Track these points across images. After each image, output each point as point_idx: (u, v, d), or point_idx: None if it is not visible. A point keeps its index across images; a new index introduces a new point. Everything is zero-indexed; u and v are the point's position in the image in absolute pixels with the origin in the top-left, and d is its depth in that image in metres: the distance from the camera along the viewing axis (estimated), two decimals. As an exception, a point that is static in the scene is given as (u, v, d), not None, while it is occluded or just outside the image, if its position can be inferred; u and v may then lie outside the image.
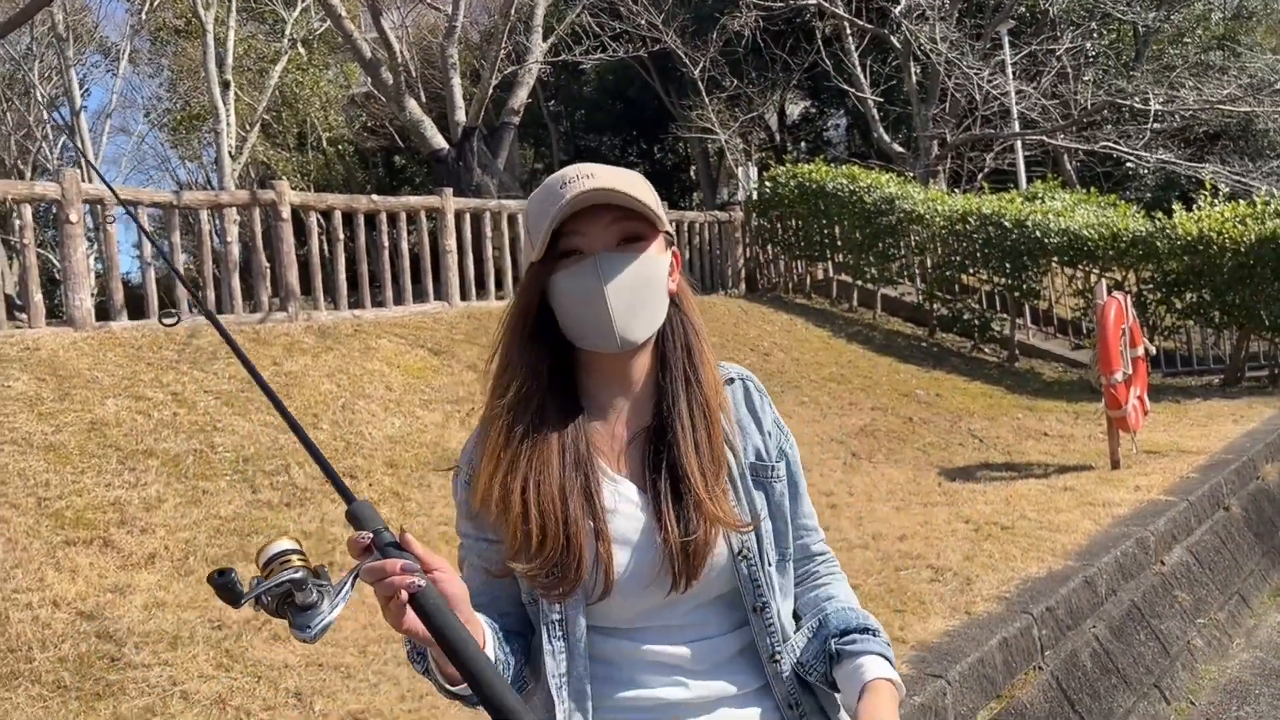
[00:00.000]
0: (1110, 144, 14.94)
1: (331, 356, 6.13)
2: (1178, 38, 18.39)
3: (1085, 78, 15.54)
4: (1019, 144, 15.54)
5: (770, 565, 1.13)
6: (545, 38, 11.97)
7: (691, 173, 21.78)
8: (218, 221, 7.38)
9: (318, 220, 7.84)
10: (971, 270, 9.65)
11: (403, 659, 3.18)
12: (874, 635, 1.13)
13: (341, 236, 7.52)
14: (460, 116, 10.83)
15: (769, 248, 10.71)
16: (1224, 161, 15.46)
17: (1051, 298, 10.00)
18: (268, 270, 7.31)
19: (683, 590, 1.07)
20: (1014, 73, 14.66)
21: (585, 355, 1.12)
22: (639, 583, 1.06)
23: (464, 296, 8.00)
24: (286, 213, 7.03)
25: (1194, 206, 8.75)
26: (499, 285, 8.42)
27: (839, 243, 10.15)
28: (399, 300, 7.70)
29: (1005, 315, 9.74)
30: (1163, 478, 5.23)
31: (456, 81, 10.90)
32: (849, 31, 14.10)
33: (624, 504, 1.09)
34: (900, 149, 15.31)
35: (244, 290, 7.17)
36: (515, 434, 1.08)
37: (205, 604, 3.42)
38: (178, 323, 5.29)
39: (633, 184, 1.07)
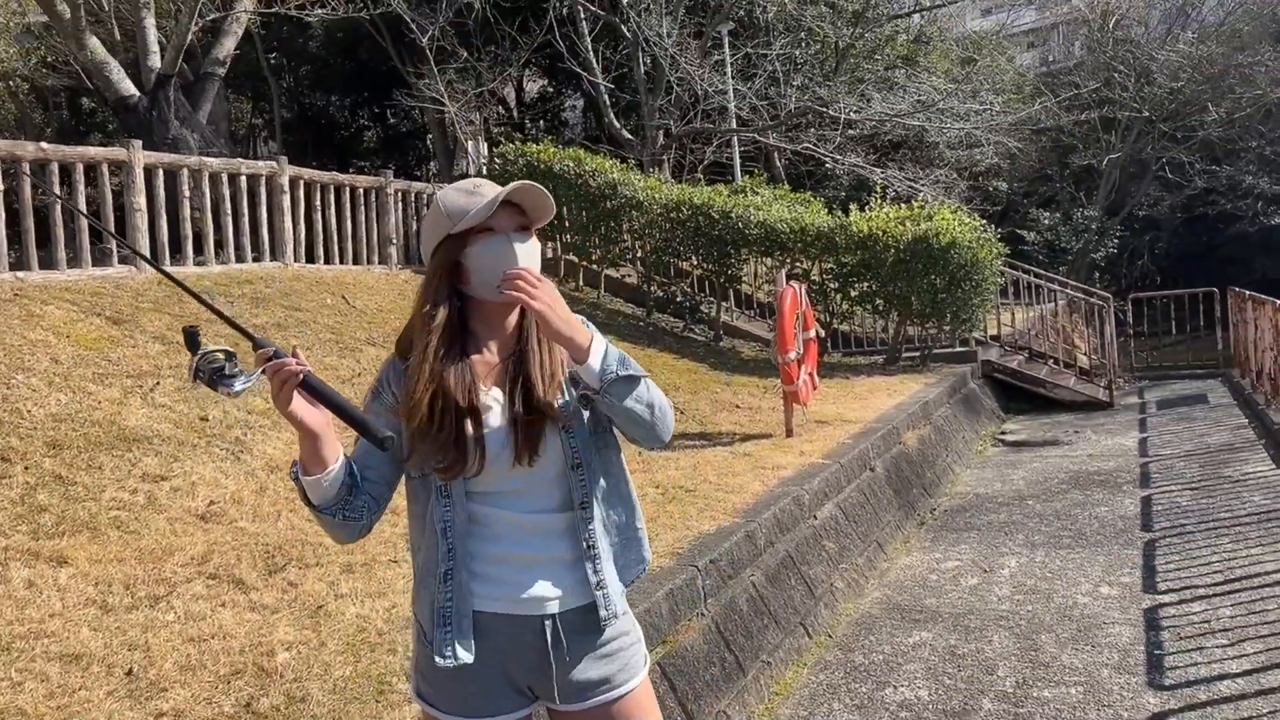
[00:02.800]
0: (810, 146, 16.57)
1: (-18, 324, 5.39)
2: (870, 54, 20.69)
3: (795, 82, 17.05)
4: (735, 139, 16.78)
5: (588, 434, 1.61)
6: (260, -16, 11.07)
7: (428, 141, 21.22)
8: None
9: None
10: (685, 256, 10.35)
11: (54, 654, 2.95)
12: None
13: (2, 187, 6.59)
14: (155, 62, 9.77)
15: (498, 224, 10.77)
16: (901, 168, 17.71)
17: (754, 283, 10.99)
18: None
19: (527, 463, 1.55)
20: (732, 72, 15.76)
21: (477, 303, 1.61)
22: (497, 457, 1.55)
23: (156, 260, 7.30)
24: (-75, 156, 6.06)
25: (865, 207, 10.00)
26: (198, 249, 7.78)
27: (566, 224, 10.45)
28: (75, 263, 6.89)
29: (713, 299, 10.57)
30: (824, 444, 6.00)
31: (150, 22, 9.79)
32: (583, 15, 14.41)
33: (492, 404, 1.58)
34: (630, 136, 15.95)
35: None
36: (428, 356, 1.54)
37: None
38: None
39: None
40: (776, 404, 7.55)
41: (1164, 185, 22.17)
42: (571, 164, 10.13)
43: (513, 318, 1.64)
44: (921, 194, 13.59)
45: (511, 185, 1.56)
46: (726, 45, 15.81)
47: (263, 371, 1.43)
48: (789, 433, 6.37)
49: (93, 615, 3.23)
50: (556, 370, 1.60)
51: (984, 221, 10.13)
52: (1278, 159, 20.21)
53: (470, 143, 12.18)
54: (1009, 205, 23.25)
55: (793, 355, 6.21)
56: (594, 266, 10.66)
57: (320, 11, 11.03)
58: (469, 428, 1.54)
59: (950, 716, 3.48)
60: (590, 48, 14.37)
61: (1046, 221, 22.10)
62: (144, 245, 7.20)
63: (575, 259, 10.81)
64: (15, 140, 6.97)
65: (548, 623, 1.59)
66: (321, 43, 18.61)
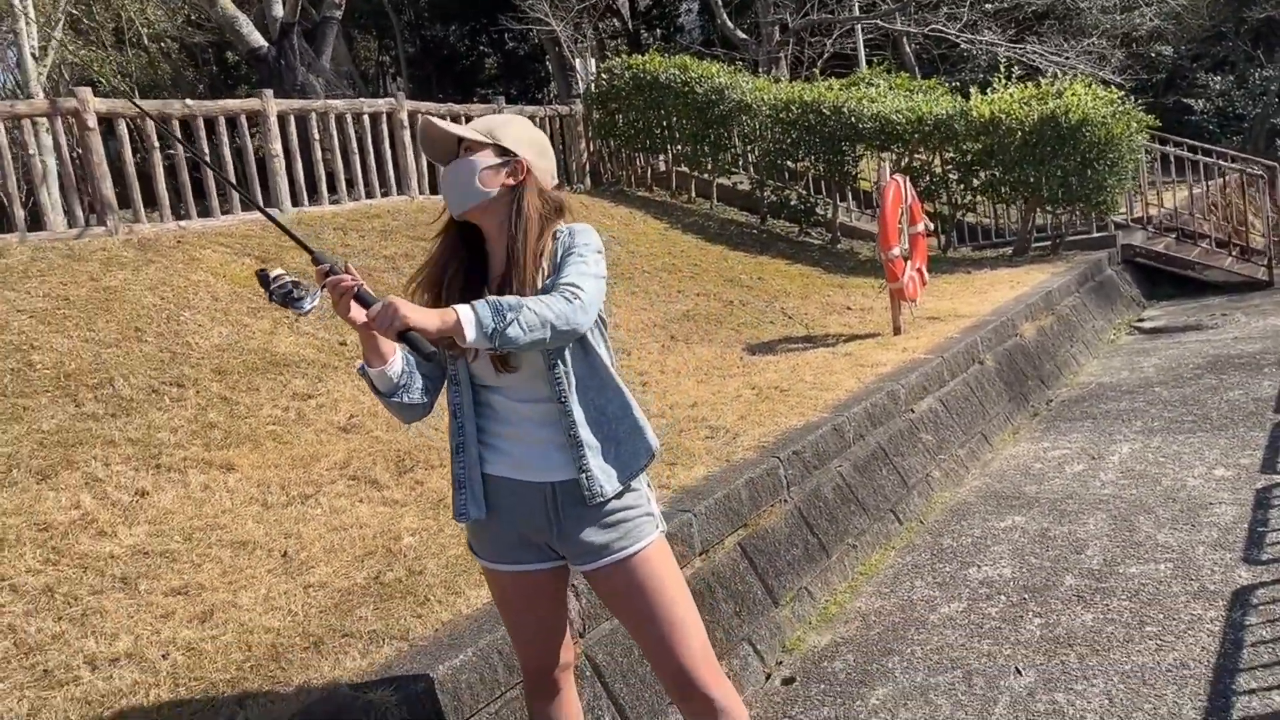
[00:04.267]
0: (940, 27, 15.56)
1: (153, 269, 6.14)
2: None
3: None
4: (858, 28, 16.00)
5: None
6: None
7: (546, 63, 21.38)
8: (17, 133, 7.06)
9: (131, 129, 7.56)
10: (797, 157, 10.18)
11: (226, 542, 3.52)
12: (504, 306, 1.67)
13: (158, 144, 7.34)
14: (278, 11, 10.37)
15: (610, 141, 10.92)
16: (1044, 41, 16.38)
17: (872, 180, 10.70)
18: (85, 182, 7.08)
19: (505, 368, 1.80)
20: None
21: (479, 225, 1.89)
22: (481, 357, 1.82)
23: (295, 202, 7.97)
24: (93, 121, 6.80)
25: (988, 90, 9.47)
26: (332, 189, 8.40)
27: (676, 134, 10.46)
28: (227, 209, 7.63)
29: (829, 200, 10.40)
30: (929, 340, 5.98)
31: (271, -28, 10.39)
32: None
33: None
34: (744, 35, 15.53)
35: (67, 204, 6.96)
36: (436, 277, 1.88)
37: (30, 509, 3.65)
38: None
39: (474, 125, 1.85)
40: (889, 304, 7.49)
41: (1365, 34, 19.47)
42: (677, 72, 10.07)
43: (497, 230, 1.86)
44: (1054, 69, 12.58)
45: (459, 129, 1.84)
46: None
47: (323, 287, 1.68)
48: (896, 330, 6.36)
49: (255, 511, 3.81)
50: (531, 272, 1.80)
51: (1123, 93, 9.39)
52: None
53: (579, 60, 12.27)
54: (1174, 72, 21.10)
55: (896, 251, 6.15)
56: (705, 176, 10.67)
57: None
58: None
59: (1030, 592, 3.59)
60: (698, -53, 13.98)
61: (1218, 86, 19.96)
62: (283, 188, 7.86)
63: (686, 169, 10.83)
64: (165, 100, 7.69)
65: (547, 489, 1.86)
66: (437, -27, 18.96)
